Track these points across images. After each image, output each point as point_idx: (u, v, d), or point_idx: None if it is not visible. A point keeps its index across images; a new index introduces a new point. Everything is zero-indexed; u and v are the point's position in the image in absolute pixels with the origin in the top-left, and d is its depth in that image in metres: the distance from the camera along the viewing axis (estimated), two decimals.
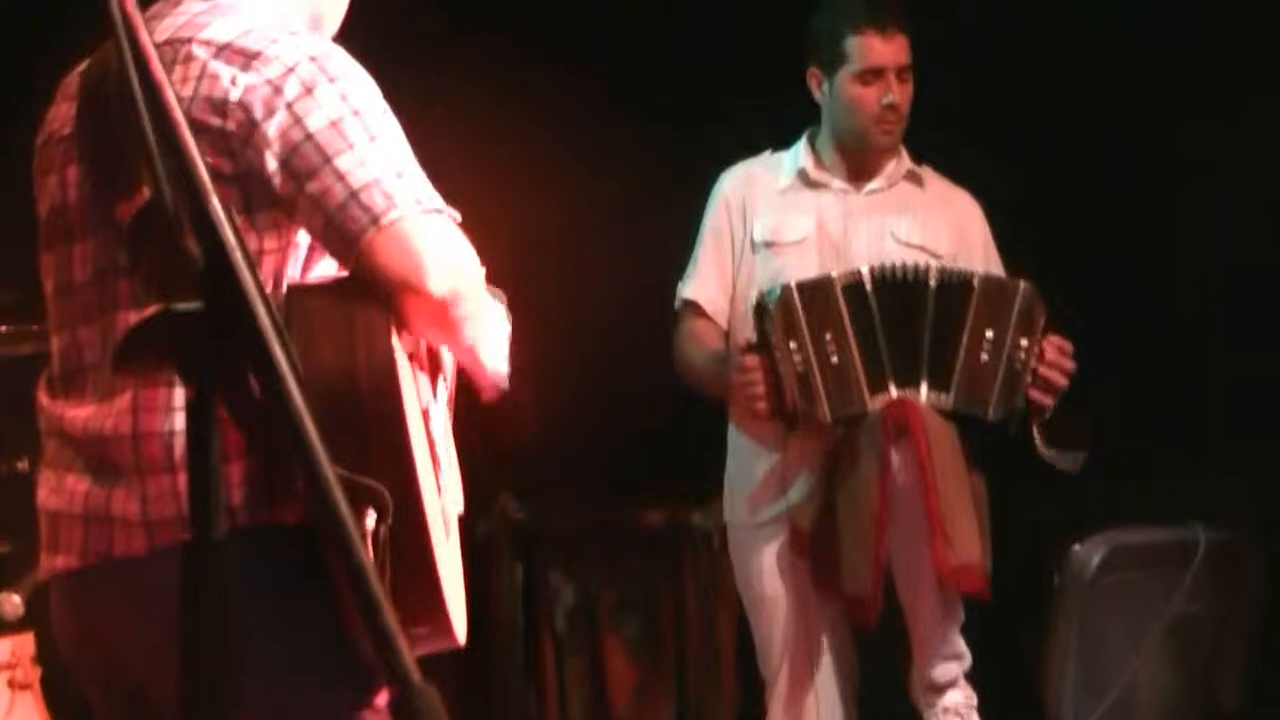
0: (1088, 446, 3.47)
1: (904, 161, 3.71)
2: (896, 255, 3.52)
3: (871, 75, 3.56)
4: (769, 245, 3.61)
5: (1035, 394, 3.43)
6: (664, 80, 4.61)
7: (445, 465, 1.95)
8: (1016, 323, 3.43)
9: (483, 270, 2.00)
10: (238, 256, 1.23)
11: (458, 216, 1.89)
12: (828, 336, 3.40)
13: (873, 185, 3.67)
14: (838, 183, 3.66)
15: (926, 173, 3.74)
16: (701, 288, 3.66)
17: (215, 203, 1.24)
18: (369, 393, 1.74)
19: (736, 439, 3.69)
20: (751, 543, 3.66)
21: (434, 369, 2.02)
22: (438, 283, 1.79)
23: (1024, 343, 3.43)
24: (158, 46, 1.28)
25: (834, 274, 3.45)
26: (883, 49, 3.56)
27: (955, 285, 3.47)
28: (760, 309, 3.43)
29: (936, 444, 3.40)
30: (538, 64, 4.50)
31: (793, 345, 3.38)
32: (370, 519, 1.69)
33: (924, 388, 3.45)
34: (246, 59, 1.84)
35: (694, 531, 4.60)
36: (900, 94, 3.58)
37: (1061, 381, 3.44)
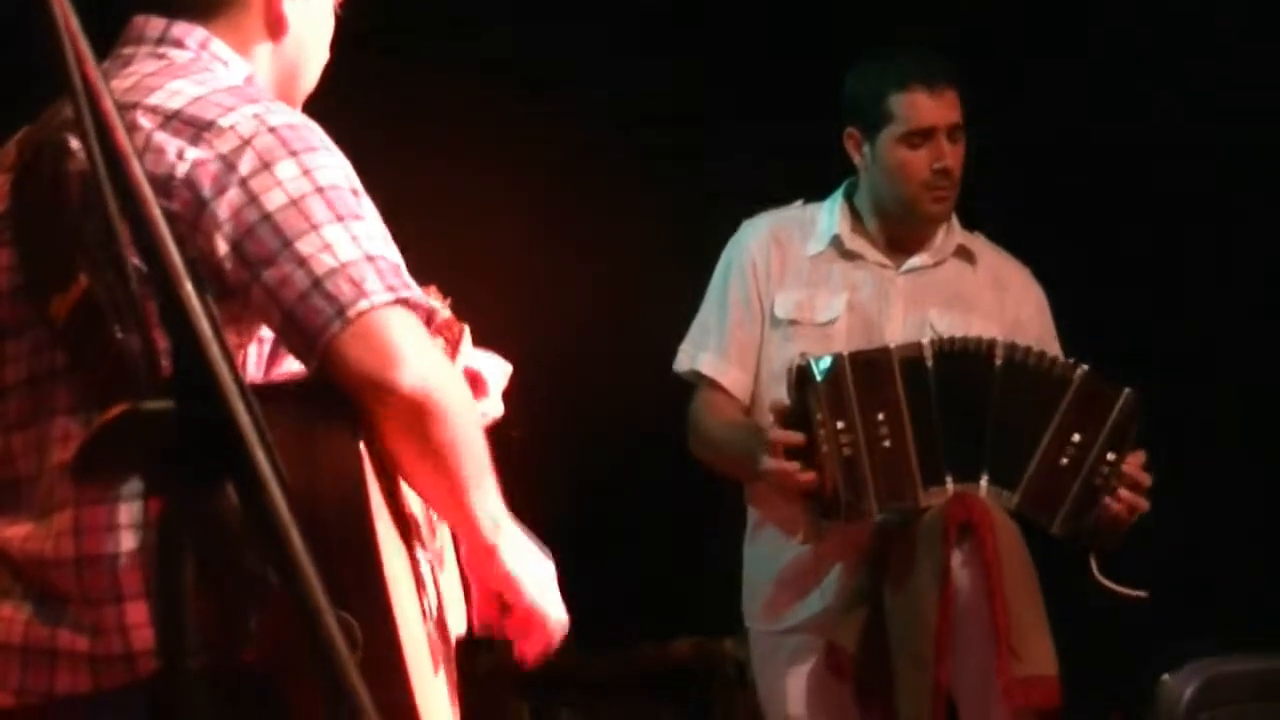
0: (1148, 586, 3.41)
1: (954, 233, 3.66)
2: None
3: (919, 137, 3.52)
4: (792, 324, 3.57)
5: (1104, 520, 3.37)
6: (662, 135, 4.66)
7: (433, 586, 1.94)
8: (1109, 433, 3.37)
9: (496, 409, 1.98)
10: (215, 350, 1.23)
11: (442, 308, 1.87)
12: (880, 418, 3.34)
13: (915, 262, 3.62)
14: (875, 255, 3.61)
15: (979, 244, 3.69)
16: (727, 365, 3.60)
17: (189, 288, 1.24)
18: (335, 511, 1.72)
19: (758, 527, 3.62)
20: (774, 654, 3.60)
21: None
22: (411, 376, 1.75)
23: (1110, 457, 3.37)
24: None
25: (892, 346, 3.41)
26: (932, 107, 3.53)
27: (1042, 372, 3.42)
28: (802, 379, 3.35)
29: (1004, 544, 3.35)
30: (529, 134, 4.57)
31: (840, 425, 3.32)
32: None
33: (984, 482, 3.41)
34: (196, 130, 1.82)
35: (725, 662, 4.56)
36: (953, 156, 3.54)
37: (1131, 517, 3.37)
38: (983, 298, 3.63)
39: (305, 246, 1.77)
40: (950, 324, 3.56)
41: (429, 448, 1.82)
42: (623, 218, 4.59)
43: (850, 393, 3.33)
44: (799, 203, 3.71)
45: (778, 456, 3.33)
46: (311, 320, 1.76)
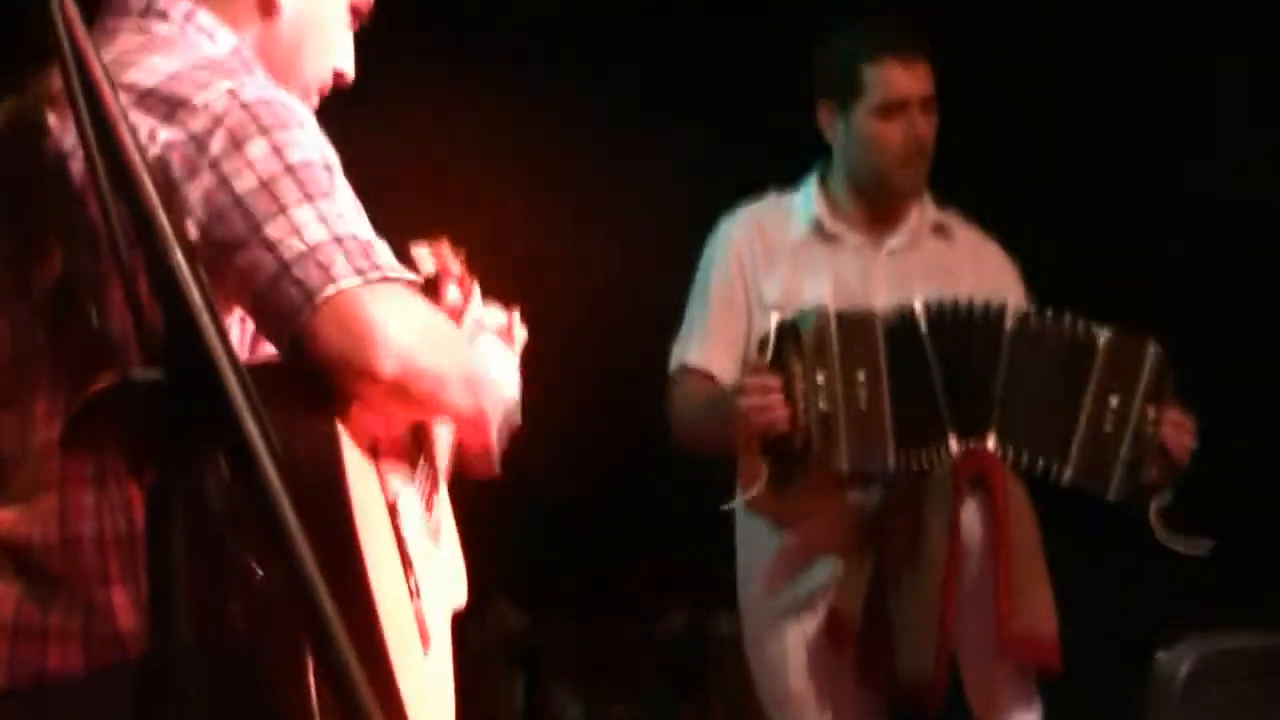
0: (1213, 533, 3.43)
1: (928, 210, 3.69)
2: None
3: (893, 109, 3.56)
4: (780, 309, 3.55)
5: (1158, 473, 3.42)
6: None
7: (423, 564, 1.93)
8: (1145, 391, 3.43)
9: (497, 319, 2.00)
10: (205, 319, 1.23)
11: (418, 279, 1.87)
12: (860, 378, 3.38)
13: (894, 242, 3.65)
14: (854, 237, 3.64)
15: (953, 221, 3.73)
16: (712, 354, 3.62)
17: (179, 255, 1.23)
18: (309, 493, 1.64)
19: (749, 513, 3.62)
20: (772, 629, 3.62)
21: (416, 450, 2.01)
22: (389, 361, 1.74)
23: (1152, 414, 3.42)
24: None
25: (879, 311, 3.45)
26: (905, 79, 3.56)
27: (1063, 336, 3.45)
28: (784, 331, 3.37)
29: (1013, 502, 3.39)
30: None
31: (820, 379, 3.36)
32: None
33: (991, 439, 3.43)
34: (170, 108, 1.80)
35: (720, 638, 4.57)
36: (926, 128, 3.57)
37: (1185, 459, 3.43)
38: (964, 273, 3.65)
39: (273, 230, 1.76)
40: None
41: (430, 412, 1.86)
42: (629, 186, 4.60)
43: (833, 347, 3.37)
44: (773, 193, 3.73)
45: (753, 399, 3.35)
46: (281, 306, 1.75)
